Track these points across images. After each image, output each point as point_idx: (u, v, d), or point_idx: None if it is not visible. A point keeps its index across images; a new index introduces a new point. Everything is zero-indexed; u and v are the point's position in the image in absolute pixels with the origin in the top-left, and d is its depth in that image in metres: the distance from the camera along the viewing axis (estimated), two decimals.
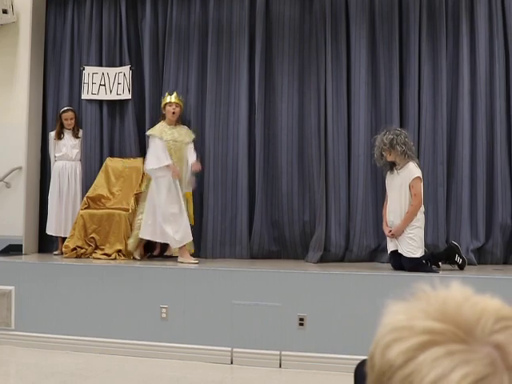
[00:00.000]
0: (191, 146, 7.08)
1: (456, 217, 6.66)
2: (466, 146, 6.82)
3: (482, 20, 6.84)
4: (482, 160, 6.81)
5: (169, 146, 6.91)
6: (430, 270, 5.86)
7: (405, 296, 0.78)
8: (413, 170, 5.91)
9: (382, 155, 5.99)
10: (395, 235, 5.93)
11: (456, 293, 0.77)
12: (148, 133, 7.08)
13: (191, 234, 6.84)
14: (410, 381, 0.70)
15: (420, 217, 5.96)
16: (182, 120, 7.25)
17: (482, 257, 6.78)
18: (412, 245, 5.87)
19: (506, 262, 6.74)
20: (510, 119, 6.79)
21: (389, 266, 6.46)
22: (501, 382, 0.68)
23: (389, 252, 6.17)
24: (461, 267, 6.11)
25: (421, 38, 6.98)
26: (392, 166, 6.03)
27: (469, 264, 6.38)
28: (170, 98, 7.10)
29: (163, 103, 7.13)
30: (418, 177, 5.90)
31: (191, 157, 6.99)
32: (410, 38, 7.03)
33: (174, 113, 7.04)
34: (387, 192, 6.17)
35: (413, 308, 0.76)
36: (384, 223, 6.14)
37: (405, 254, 5.87)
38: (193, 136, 7.14)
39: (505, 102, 6.80)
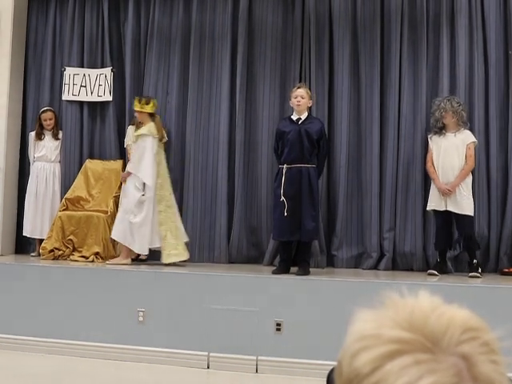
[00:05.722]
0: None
1: (434, 225, 6.69)
2: None
3: (462, 31, 6.88)
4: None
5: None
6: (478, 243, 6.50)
7: (373, 304, 0.78)
8: (470, 135, 6.52)
9: (439, 117, 6.46)
10: (452, 191, 6.32)
11: (424, 302, 0.77)
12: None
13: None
14: None
15: (470, 176, 6.52)
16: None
17: (459, 265, 6.82)
18: (470, 204, 6.37)
19: (482, 271, 6.77)
20: (488, 131, 6.84)
21: (368, 272, 6.57)
22: None
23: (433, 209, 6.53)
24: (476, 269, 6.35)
25: (402, 49, 7.02)
26: (441, 128, 6.49)
27: (446, 272, 6.46)
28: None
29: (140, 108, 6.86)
30: (475, 141, 6.51)
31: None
32: (391, 48, 7.06)
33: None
34: (433, 151, 6.52)
35: (380, 316, 0.76)
36: (436, 181, 6.44)
37: (469, 213, 6.34)
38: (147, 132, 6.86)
39: (483, 114, 6.85)
